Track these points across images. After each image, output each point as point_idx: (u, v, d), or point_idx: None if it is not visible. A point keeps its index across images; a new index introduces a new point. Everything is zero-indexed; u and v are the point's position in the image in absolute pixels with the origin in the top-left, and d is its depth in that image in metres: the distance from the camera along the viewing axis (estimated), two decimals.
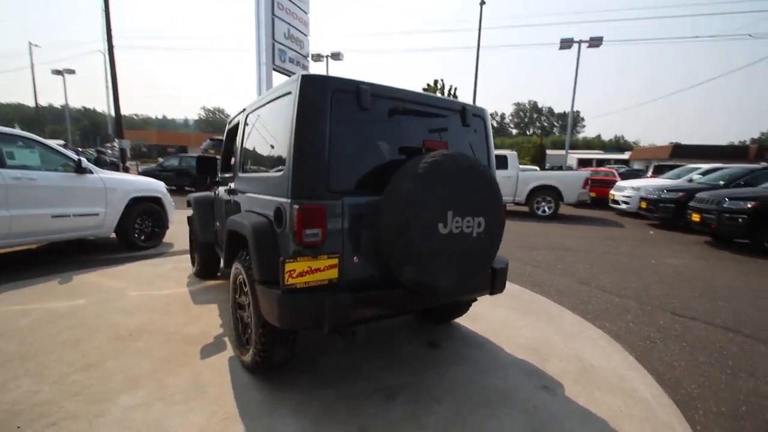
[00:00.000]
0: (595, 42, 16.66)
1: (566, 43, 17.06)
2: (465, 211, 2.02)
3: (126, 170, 13.97)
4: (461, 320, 3.36)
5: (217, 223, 3.73)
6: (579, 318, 3.62)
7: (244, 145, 2.83)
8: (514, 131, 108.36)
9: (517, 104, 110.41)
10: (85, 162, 4.82)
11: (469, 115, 2.49)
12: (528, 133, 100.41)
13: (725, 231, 6.82)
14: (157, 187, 5.90)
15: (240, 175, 2.80)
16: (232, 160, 3.86)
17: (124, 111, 13.53)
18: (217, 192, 3.70)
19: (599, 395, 2.35)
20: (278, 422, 1.98)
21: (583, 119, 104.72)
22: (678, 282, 4.92)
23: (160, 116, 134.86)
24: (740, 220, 6.47)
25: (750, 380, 2.61)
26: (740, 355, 2.98)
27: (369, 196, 2.04)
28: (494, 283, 2.51)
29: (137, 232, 5.59)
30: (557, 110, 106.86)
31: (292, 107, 1.96)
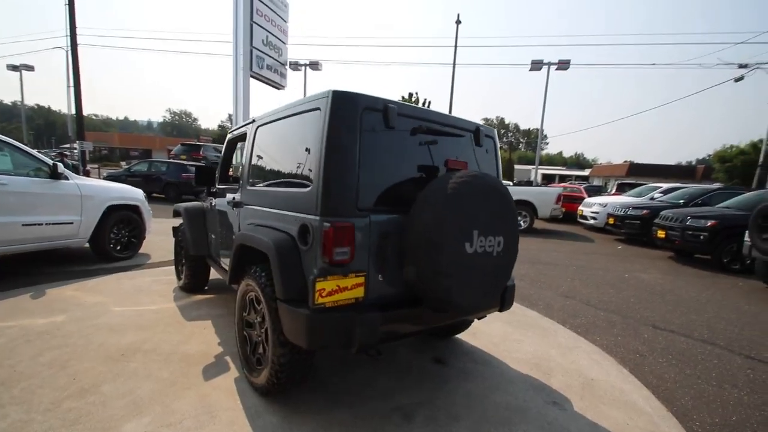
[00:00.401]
0: (563, 65, 17.68)
1: (536, 65, 17.97)
2: (488, 230, 2.07)
3: (87, 174, 13.18)
4: (462, 335, 3.40)
5: (212, 236, 3.60)
6: (570, 332, 3.75)
7: (253, 158, 2.76)
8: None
9: (486, 120, 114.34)
10: (61, 167, 4.52)
11: (482, 136, 2.56)
12: None
13: (688, 247, 7.33)
14: (135, 194, 5.61)
15: (249, 188, 2.72)
16: (231, 170, 3.78)
17: (84, 111, 12.78)
18: (211, 203, 3.57)
19: (605, 409, 2.45)
20: None
21: (546, 136, 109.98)
22: (652, 296, 5.22)
23: (121, 117, 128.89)
24: (701, 237, 6.98)
25: (734, 391, 2.80)
26: (720, 367, 3.19)
27: (393, 214, 2.05)
28: (504, 300, 2.57)
29: (113, 241, 5.28)
30: (522, 127, 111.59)
31: (322, 123, 1.95)
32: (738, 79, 17.88)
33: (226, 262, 3.21)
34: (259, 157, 2.72)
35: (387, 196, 2.07)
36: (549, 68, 18.00)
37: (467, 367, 2.88)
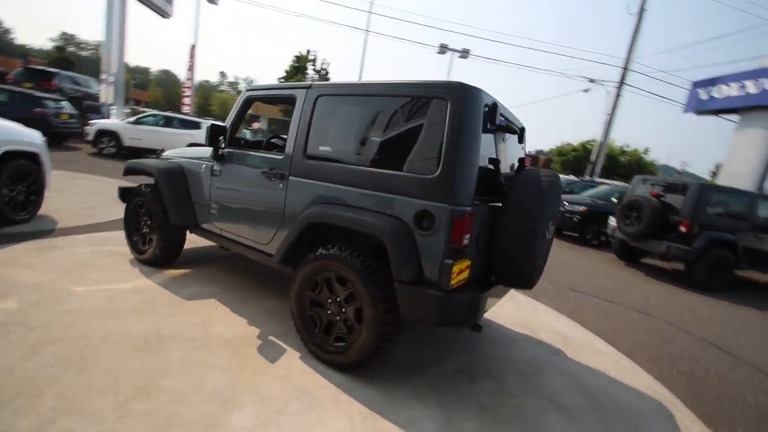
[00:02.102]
0: (464, 54, 19.28)
1: (443, 49, 19.11)
2: (553, 219, 2.48)
3: None
4: None
5: (211, 204, 3.15)
6: (528, 297, 4.59)
7: (314, 129, 2.55)
8: None
9: None
10: None
11: (524, 134, 2.92)
12: None
13: (563, 226, 9.28)
14: (33, 138, 4.31)
15: (307, 161, 2.52)
16: (236, 134, 3.31)
17: None
18: (213, 167, 3.10)
19: (584, 354, 3.23)
20: (414, 412, 2.09)
21: None
22: (558, 264, 6.61)
23: None
24: (575, 219, 8.93)
25: (631, 331, 3.97)
26: (623, 315, 4.41)
27: (485, 203, 2.28)
28: None
29: (6, 199, 4.02)
30: None
31: (452, 114, 2.01)
32: (586, 90, 22.32)
33: (244, 236, 2.93)
34: (330, 131, 2.53)
35: (481, 186, 2.27)
36: (453, 55, 19.43)
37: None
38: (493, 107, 2.24)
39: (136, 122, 11.25)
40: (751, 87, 14.50)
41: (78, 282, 3.00)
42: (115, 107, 14.46)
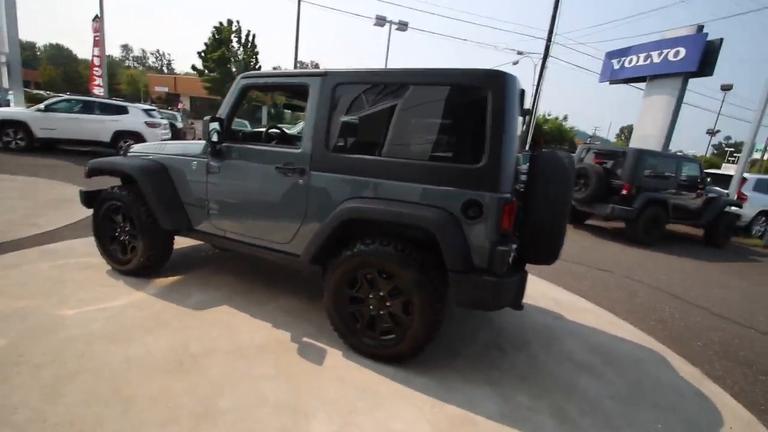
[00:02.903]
0: (402, 26, 19.09)
1: (380, 21, 18.71)
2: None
3: None
4: None
5: (213, 205, 2.88)
6: None
7: (336, 121, 2.41)
8: None
9: (301, 63, 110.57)
10: None
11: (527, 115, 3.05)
12: None
13: None
14: None
15: (332, 154, 2.40)
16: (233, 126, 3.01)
17: None
18: (210, 163, 2.83)
19: (582, 315, 3.58)
20: (470, 393, 2.20)
21: None
22: None
23: None
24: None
25: (601, 289, 4.47)
26: (592, 276, 4.92)
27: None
28: None
29: None
30: None
31: (491, 102, 2.04)
32: (515, 63, 23.45)
33: (257, 237, 2.75)
34: (356, 121, 2.42)
35: None
36: (391, 26, 19.11)
37: None
38: (522, 93, 2.31)
39: (47, 109, 9.67)
40: (655, 57, 16.20)
41: (63, 304, 2.63)
42: (12, 92, 12.28)
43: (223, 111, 2.80)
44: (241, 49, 28.59)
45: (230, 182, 2.79)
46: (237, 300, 3.00)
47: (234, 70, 27.56)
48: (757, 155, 33.26)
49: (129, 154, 3.40)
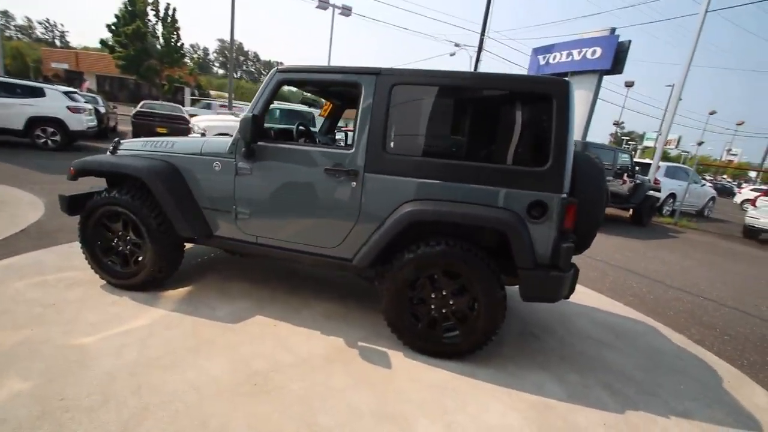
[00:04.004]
0: (346, 11, 18.58)
1: (323, 4, 18.00)
2: None
3: None
4: None
5: (243, 210, 2.65)
6: None
7: (393, 121, 2.35)
8: (220, 71, 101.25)
9: (222, 41, 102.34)
10: None
11: None
12: (236, 75, 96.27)
13: None
14: None
15: (389, 155, 2.34)
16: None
17: None
18: (239, 164, 2.59)
19: (575, 295, 3.96)
20: (533, 378, 2.37)
21: None
22: None
23: None
24: None
25: (583, 272, 5.00)
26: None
27: None
28: None
29: None
30: (263, 57, 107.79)
31: (555, 109, 2.16)
32: (452, 54, 24.27)
33: (299, 241, 2.61)
34: (415, 123, 2.37)
35: None
36: (334, 10, 18.52)
37: None
38: None
39: None
40: (576, 55, 17.91)
41: (75, 331, 2.27)
42: None
43: (256, 107, 2.56)
44: (160, 23, 25.62)
45: (266, 185, 2.59)
46: (268, 309, 2.83)
47: (156, 46, 24.72)
48: (649, 143, 38.55)
49: (120, 152, 2.97)
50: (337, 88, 2.98)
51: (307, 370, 2.18)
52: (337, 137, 4.37)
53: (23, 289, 2.68)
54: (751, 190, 20.06)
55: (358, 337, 2.60)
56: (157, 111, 12.08)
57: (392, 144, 2.39)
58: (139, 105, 12.29)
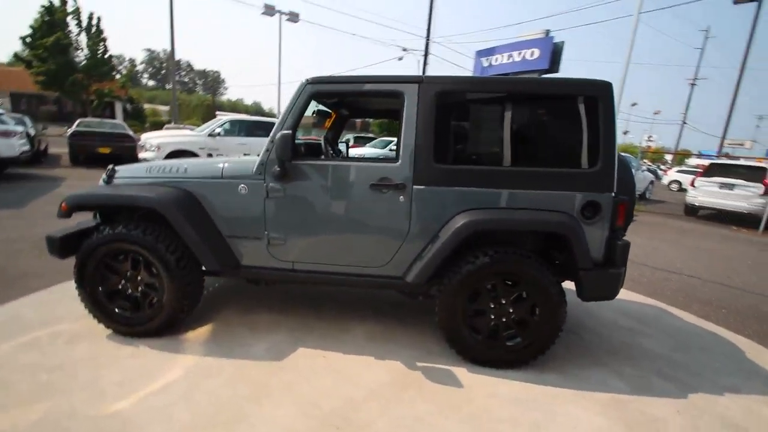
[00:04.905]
0: (294, 17, 18.13)
1: (269, 11, 17.41)
2: None
3: None
4: None
5: (276, 235, 2.41)
6: None
7: (440, 130, 2.26)
8: (150, 82, 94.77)
9: (150, 51, 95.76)
10: None
11: None
12: (167, 86, 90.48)
13: None
14: None
15: (439, 165, 2.25)
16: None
17: None
18: (270, 186, 2.36)
19: None
20: (593, 377, 2.39)
21: (224, 81, 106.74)
22: None
23: None
24: None
25: None
26: None
27: None
28: None
29: None
30: (197, 67, 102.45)
31: (602, 110, 2.20)
32: (400, 59, 24.63)
33: (342, 263, 2.45)
34: (462, 131, 2.29)
35: None
36: (281, 17, 17.98)
37: None
38: None
39: None
40: (516, 56, 18.95)
41: (101, 397, 1.94)
42: None
43: (286, 123, 2.35)
44: (84, 34, 23.39)
45: (304, 205, 2.38)
46: (307, 338, 2.61)
47: (79, 60, 22.56)
48: None
49: (117, 180, 2.60)
50: (384, 99, 2.83)
51: (384, 402, 2.02)
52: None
53: (13, 353, 2.25)
54: (677, 171, 22.31)
55: (411, 356, 2.48)
56: (96, 129, 10.99)
57: (441, 153, 2.31)
58: (75, 124, 11.11)
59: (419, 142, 2.27)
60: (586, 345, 2.82)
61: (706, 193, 10.08)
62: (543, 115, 2.31)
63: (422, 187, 2.30)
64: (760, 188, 9.19)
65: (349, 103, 3.24)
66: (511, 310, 2.33)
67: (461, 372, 2.34)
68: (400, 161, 2.31)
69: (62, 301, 2.92)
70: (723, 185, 9.76)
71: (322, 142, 2.81)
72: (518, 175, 2.27)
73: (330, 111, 3.19)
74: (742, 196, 9.43)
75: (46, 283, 3.21)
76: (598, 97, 2.21)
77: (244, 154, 3.09)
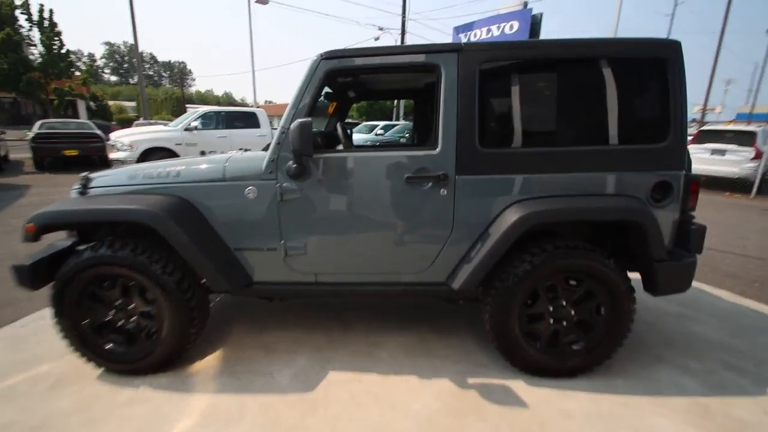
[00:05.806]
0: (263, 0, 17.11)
1: None
2: None
3: None
4: None
5: (294, 244, 2.04)
6: None
7: (485, 109, 1.90)
8: (113, 78, 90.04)
9: (110, 44, 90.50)
10: None
11: None
12: (132, 81, 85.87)
13: None
14: None
15: (486, 152, 1.90)
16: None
17: None
18: (282, 187, 1.97)
19: None
20: (659, 378, 2.15)
21: (191, 72, 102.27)
22: None
23: None
24: None
25: None
26: None
27: None
28: None
29: None
30: (160, 59, 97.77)
31: (671, 74, 1.89)
32: (376, 39, 23.84)
33: (375, 272, 2.10)
34: (510, 107, 1.93)
35: None
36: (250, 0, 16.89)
37: None
38: None
39: None
40: (495, 30, 18.56)
41: None
42: None
43: (300, 109, 1.94)
44: (36, 29, 21.62)
45: (326, 207, 2.01)
46: (336, 360, 2.28)
47: (34, 57, 20.97)
48: None
49: (93, 191, 2.15)
50: (416, 73, 2.41)
51: (444, 429, 1.71)
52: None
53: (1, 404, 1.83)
54: None
55: (458, 371, 2.18)
56: (60, 130, 10.16)
57: (487, 136, 1.95)
58: (36, 126, 10.24)
59: (462, 124, 1.91)
60: (638, 337, 2.57)
61: (698, 160, 10.06)
62: (602, 83, 1.95)
63: (466, 176, 1.95)
64: (750, 152, 9.22)
65: (362, 82, 2.80)
66: (573, 312, 2.04)
67: (519, 386, 2.05)
68: (439, 148, 1.94)
69: (38, 334, 2.50)
70: (714, 151, 9.77)
71: (339, 129, 2.40)
72: (578, 155, 1.94)
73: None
74: (734, 162, 9.46)
75: (15, 313, 2.76)
76: (667, 59, 1.89)
77: (241, 149, 2.66)
